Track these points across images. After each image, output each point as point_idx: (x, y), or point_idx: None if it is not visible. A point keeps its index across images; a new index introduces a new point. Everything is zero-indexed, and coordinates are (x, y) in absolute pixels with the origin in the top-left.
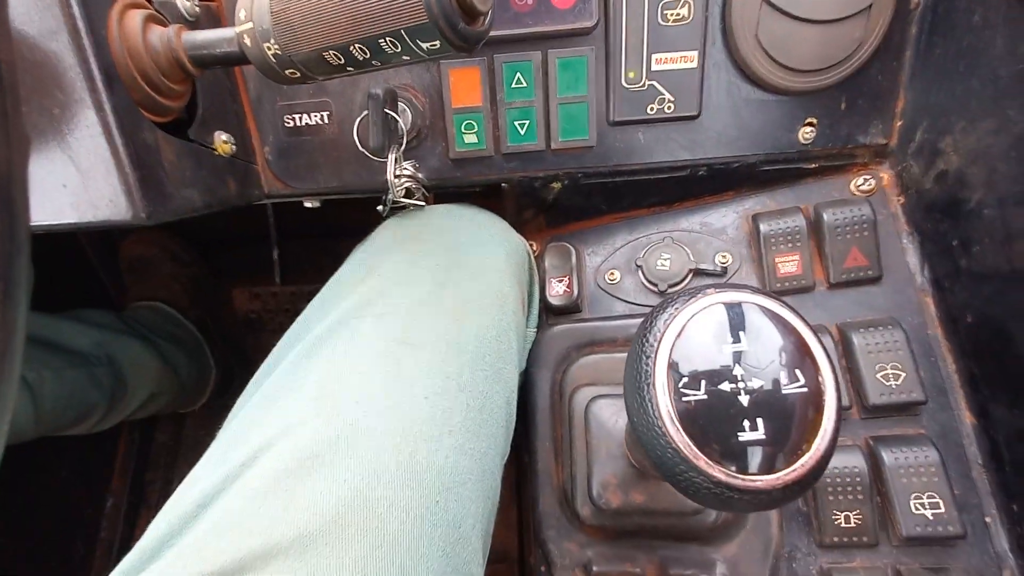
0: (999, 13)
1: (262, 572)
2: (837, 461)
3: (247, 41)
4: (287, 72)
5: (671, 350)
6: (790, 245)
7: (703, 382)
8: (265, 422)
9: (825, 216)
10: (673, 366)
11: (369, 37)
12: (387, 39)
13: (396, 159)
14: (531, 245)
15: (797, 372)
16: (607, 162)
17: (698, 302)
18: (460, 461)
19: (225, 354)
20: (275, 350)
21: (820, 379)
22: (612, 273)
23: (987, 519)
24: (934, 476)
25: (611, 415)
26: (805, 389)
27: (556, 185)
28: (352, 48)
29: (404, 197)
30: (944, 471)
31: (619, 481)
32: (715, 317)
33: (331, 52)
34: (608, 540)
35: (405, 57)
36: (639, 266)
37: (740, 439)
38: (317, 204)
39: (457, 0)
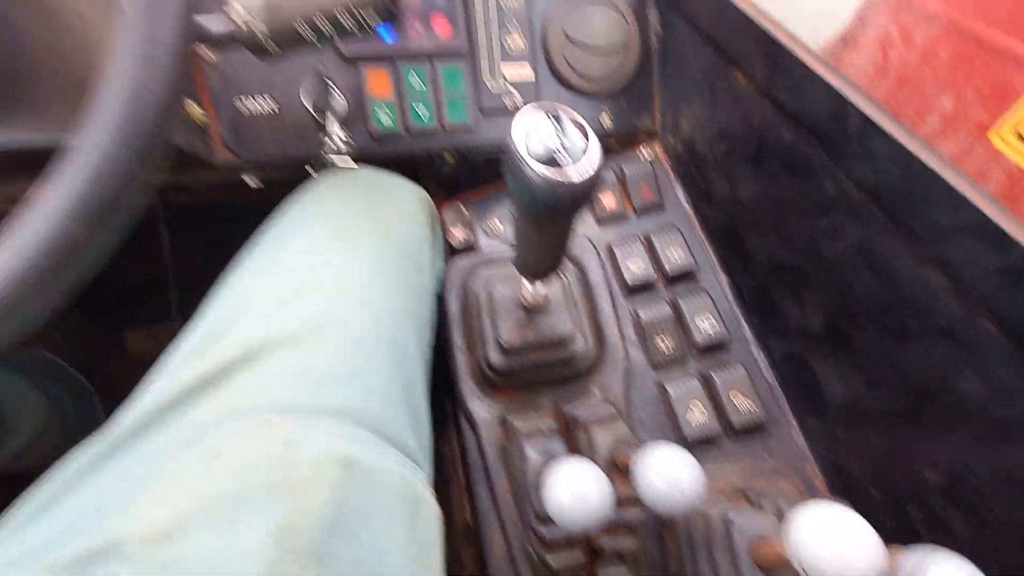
0: (690, 48)
1: (270, 356)
2: (655, 312)
3: (241, 24)
4: (269, 44)
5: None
6: (608, 189)
7: (543, 147)
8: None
9: (626, 170)
10: (522, 138)
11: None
12: (344, 11)
13: (333, 120)
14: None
15: (581, 136)
16: (483, 140)
17: (529, 114)
18: (397, 312)
19: (118, 398)
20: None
21: (588, 140)
22: (496, 223)
23: (744, 332)
24: (711, 309)
25: (505, 283)
26: (585, 144)
27: (450, 159)
28: (316, 20)
29: (335, 154)
30: (715, 307)
31: (515, 324)
32: (542, 119)
33: (304, 25)
34: (517, 398)
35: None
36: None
37: (566, 169)
38: (260, 184)
39: None
